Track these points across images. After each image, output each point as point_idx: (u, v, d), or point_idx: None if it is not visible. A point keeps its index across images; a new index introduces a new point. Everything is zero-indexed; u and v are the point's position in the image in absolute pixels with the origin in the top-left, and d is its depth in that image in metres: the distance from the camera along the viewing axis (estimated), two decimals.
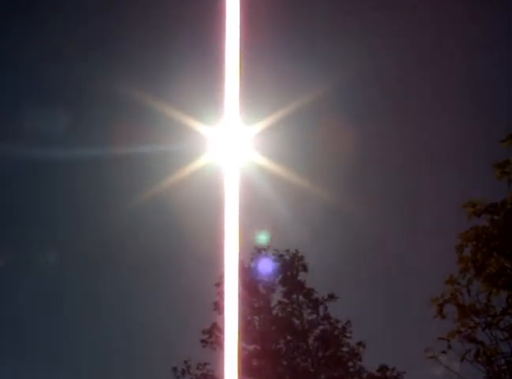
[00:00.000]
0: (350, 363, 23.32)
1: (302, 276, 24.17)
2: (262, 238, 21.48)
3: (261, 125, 13.32)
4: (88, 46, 18.49)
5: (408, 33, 18.17)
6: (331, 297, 23.61)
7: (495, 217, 11.84)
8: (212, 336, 22.95)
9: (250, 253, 24.02)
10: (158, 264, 22.03)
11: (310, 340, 23.60)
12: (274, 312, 23.96)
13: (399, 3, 17.52)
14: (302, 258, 23.93)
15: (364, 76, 16.63)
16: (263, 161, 13.99)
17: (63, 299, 24.20)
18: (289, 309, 23.85)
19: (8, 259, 23.24)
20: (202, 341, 23.10)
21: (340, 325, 23.52)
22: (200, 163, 13.23)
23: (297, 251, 23.97)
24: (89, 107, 18.76)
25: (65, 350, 24.72)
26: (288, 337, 23.60)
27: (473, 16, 17.74)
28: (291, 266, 24.01)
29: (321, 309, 23.78)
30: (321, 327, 23.68)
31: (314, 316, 23.79)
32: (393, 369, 22.41)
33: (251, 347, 22.80)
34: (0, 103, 20.33)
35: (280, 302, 24.17)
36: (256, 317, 23.65)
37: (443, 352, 12.03)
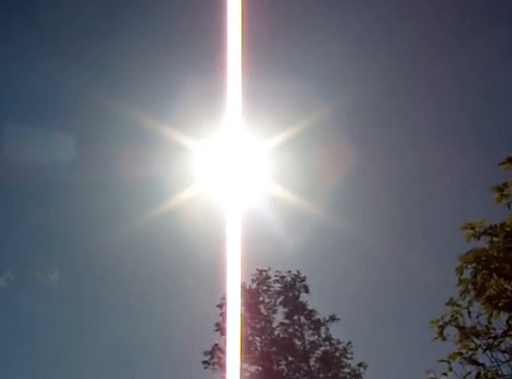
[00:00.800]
0: None
1: (303, 298, 24.24)
2: None
3: (263, 148, 13.44)
4: (85, 66, 18.63)
5: (408, 62, 18.37)
6: (332, 318, 23.65)
7: (495, 239, 11.89)
8: (214, 357, 22.97)
9: (252, 275, 24.08)
10: (160, 286, 22.12)
11: (312, 361, 23.61)
12: (276, 333, 23.99)
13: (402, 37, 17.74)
14: (303, 279, 23.99)
15: (366, 101, 16.80)
16: (266, 183, 14.09)
17: (63, 322, 24.26)
18: (291, 330, 23.88)
19: (9, 279, 23.31)
20: (204, 362, 23.11)
21: (341, 346, 23.53)
22: (203, 184, 13.34)
23: (299, 272, 24.04)
24: (89, 130, 18.88)
25: (66, 371, 24.73)
26: (290, 358, 23.61)
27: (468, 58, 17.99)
28: (292, 287, 24.06)
29: (322, 330, 23.83)
30: (322, 348, 23.70)
31: (316, 337, 23.83)
32: None
33: (253, 368, 22.81)
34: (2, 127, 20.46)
35: (281, 323, 24.22)
36: (258, 338, 23.67)
37: (444, 374, 12.04)
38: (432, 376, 12.10)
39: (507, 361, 11.78)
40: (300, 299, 23.86)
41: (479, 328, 11.91)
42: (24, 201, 20.93)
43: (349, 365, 23.20)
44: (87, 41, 18.91)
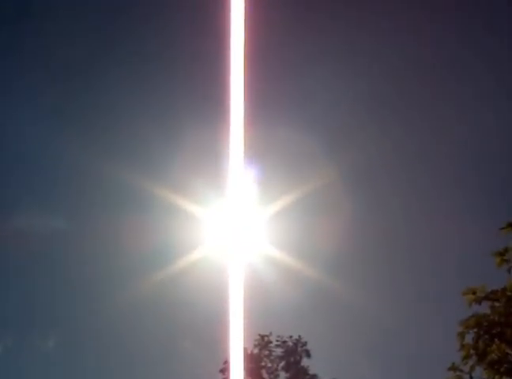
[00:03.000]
0: None
1: (305, 362, 24.09)
2: None
3: (266, 213, 13.53)
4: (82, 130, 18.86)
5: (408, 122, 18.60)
6: None
7: (496, 304, 11.94)
8: None
9: (254, 340, 24.00)
10: (162, 351, 21.99)
11: None
12: None
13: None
14: (305, 344, 23.89)
15: (369, 164, 16.96)
16: (267, 247, 14.17)
17: None
18: None
19: (7, 345, 23.23)
20: None
21: None
22: (204, 249, 13.39)
23: (300, 337, 23.95)
24: (90, 195, 19.03)
25: None
26: None
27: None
28: (294, 352, 23.95)
29: None
30: None
31: None
32: None
33: None
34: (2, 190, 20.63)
35: None
36: None
37: None
38: None
39: None
40: (302, 364, 23.74)
41: None
42: (24, 266, 20.98)
43: None
44: (84, 103, 19.17)
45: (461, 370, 11.98)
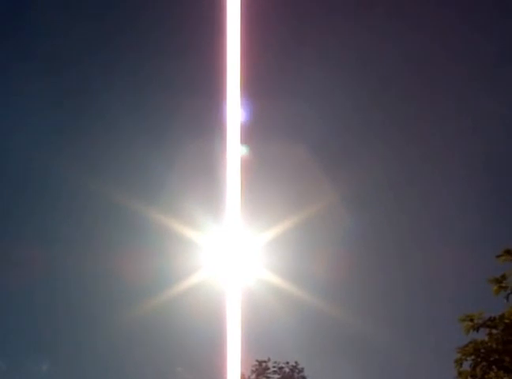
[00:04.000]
0: None
1: None
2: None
3: (262, 238, 13.55)
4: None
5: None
6: None
7: (494, 331, 11.92)
8: None
9: (251, 365, 23.90)
10: (158, 376, 21.88)
11: None
12: None
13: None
14: (302, 370, 23.80)
15: (366, 191, 17.03)
16: (264, 273, 14.16)
17: None
18: None
19: (1, 368, 23.12)
20: None
21: None
22: (202, 274, 13.38)
23: (296, 363, 23.85)
24: (87, 220, 19.03)
25: None
26: None
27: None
28: (291, 378, 23.85)
29: None
30: None
31: None
32: None
33: None
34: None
35: None
36: None
37: None
38: None
39: None
40: None
41: None
42: (19, 291, 20.94)
43: None
44: (78, 125, 19.24)
45: None
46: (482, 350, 11.76)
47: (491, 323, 11.90)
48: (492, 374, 11.72)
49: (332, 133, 17.93)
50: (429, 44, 18.01)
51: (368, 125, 18.31)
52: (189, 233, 13.86)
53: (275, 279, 14.56)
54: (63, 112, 19.19)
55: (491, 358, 11.73)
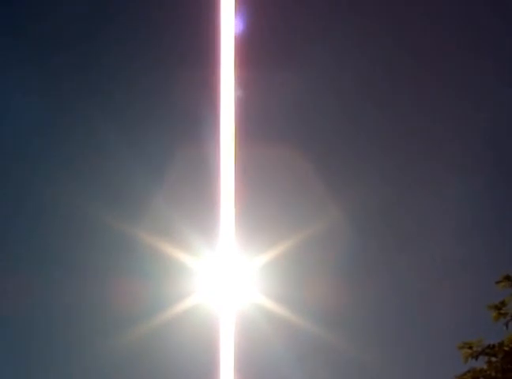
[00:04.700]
0: None
1: None
2: None
3: (257, 262, 13.39)
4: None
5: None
6: None
7: (493, 359, 11.75)
8: None
9: None
10: None
11: None
12: None
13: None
14: None
15: (366, 213, 16.87)
16: (259, 298, 13.98)
17: None
18: None
19: None
20: None
21: None
22: (195, 298, 13.21)
23: None
24: (81, 244, 18.84)
25: None
26: None
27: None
28: None
29: None
30: None
31: None
32: None
33: None
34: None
35: None
36: None
37: None
38: None
39: None
40: None
41: None
42: (15, 318, 20.71)
43: None
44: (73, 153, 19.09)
45: None
46: None
47: (490, 351, 11.72)
48: None
49: (335, 146, 17.77)
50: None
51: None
52: (182, 257, 13.68)
53: (270, 304, 14.36)
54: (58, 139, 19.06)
55: None
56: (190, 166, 15.67)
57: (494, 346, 11.72)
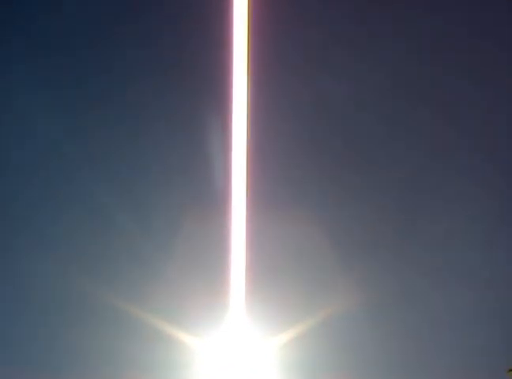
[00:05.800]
0: None
1: None
2: None
3: (269, 346, 13.34)
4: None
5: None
6: None
7: None
8: None
9: None
10: None
11: None
12: None
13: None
14: None
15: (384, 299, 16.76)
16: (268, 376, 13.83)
17: None
18: None
19: None
20: None
21: None
22: None
23: None
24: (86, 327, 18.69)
25: None
26: None
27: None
28: None
29: None
30: None
31: None
32: None
33: None
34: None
35: None
36: None
37: None
38: None
39: None
40: None
41: None
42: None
43: None
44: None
45: None
46: None
47: None
48: None
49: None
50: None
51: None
52: (190, 340, 13.63)
53: None
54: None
55: None
56: (197, 239, 15.68)
57: None
